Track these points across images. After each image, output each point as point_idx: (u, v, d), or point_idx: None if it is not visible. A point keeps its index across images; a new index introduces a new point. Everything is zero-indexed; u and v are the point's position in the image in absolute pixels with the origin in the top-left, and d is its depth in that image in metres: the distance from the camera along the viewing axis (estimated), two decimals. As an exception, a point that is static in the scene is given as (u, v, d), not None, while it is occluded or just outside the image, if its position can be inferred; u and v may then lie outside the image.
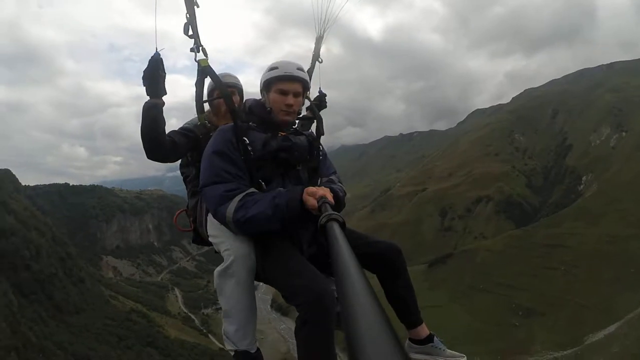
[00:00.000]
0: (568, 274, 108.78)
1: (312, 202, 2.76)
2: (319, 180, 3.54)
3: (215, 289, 3.36)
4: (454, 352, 3.47)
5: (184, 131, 3.91)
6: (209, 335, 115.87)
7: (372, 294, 0.95)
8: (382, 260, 3.30)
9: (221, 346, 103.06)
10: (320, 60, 4.50)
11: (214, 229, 3.45)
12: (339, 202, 3.15)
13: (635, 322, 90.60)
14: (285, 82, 3.33)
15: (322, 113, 4.30)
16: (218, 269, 3.28)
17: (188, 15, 3.65)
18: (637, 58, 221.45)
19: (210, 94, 4.24)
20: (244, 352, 3.30)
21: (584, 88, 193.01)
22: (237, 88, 4.31)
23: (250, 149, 3.22)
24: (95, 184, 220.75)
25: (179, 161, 4.24)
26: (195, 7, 3.65)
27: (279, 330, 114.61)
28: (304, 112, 3.96)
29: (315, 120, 3.93)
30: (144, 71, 3.52)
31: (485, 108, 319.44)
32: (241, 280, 3.19)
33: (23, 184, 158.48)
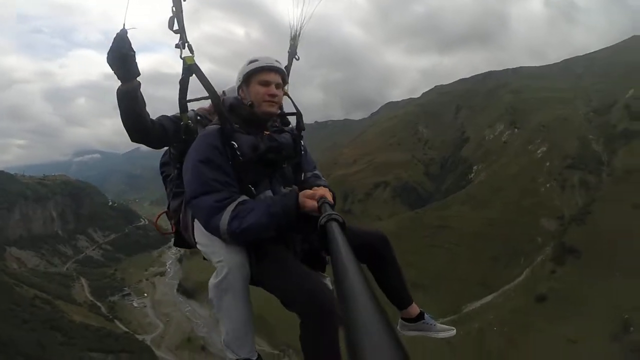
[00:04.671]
0: (451, 252, 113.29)
1: (311, 203, 2.73)
2: (302, 176, 3.45)
3: (211, 301, 3.14)
4: (443, 325, 3.60)
5: (175, 118, 3.56)
6: (115, 321, 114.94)
7: (372, 295, 0.94)
8: (371, 251, 3.24)
9: (126, 330, 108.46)
10: (297, 57, 4.25)
11: (203, 237, 3.19)
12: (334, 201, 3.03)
13: (511, 293, 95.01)
14: (267, 73, 3.22)
15: None
16: (213, 281, 3.07)
17: (174, 9, 3.21)
18: (541, 65, 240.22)
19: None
20: None
21: (488, 88, 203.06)
22: None
23: (239, 153, 3.03)
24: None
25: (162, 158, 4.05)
26: (182, 0, 3.22)
27: (184, 312, 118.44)
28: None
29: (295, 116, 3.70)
30: (108, 52, 3.05)
31: (398, 101, 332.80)
32: (237, 291, 3.02)
33: None
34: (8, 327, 78.63)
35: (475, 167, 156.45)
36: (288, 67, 4.13)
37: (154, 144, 3.52)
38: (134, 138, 3.34)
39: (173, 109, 3.57)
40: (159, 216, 4.06)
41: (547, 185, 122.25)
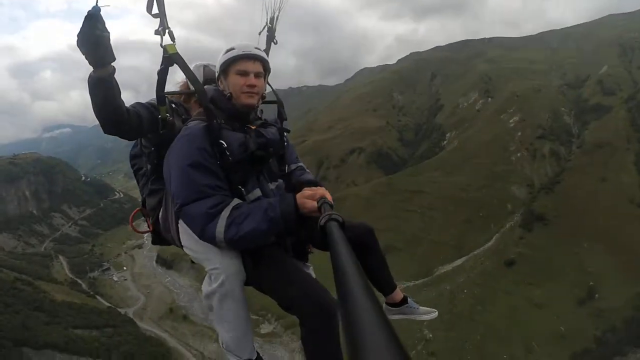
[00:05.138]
0: (424, 216, 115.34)
1: (311, 204, 2.62)
2: (287, 167, 3.35)
3: (207, 308, 3.09)
4: (426, 308, 3.69)
5: (150, 106, 3.19)
6: (97, 297, 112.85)
7: (372, 296, 0.93)
8: (358, 243, 3.17)
9: (109, 304, 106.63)
10: (275, 41, 4.01)
11: (193, 242, 3.01)
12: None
13: (481, 256, 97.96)
14: (244, 62, 2.98)
15: None
16: (208, 289, 2.97)
17: None
18: (516, 36, 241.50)
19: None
20: None
21: (463, 57, 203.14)
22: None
23: (228, 153, 2.83)
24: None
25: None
26: None
27: (164, 284, 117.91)
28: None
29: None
30: (78, 35, 2.62)
31: (373, 67, 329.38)
32: (235, 295, 2.95)
33: None
34: (-8, 313, 77.51)
35: (448, 134, 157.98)
36: (267, 52, 3.91)
37: (129, 135, 3.18)
38: (108, 130, 3.00)
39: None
40: (134, 214, 3.84)
41: (519, 154, 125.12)
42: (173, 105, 3.48)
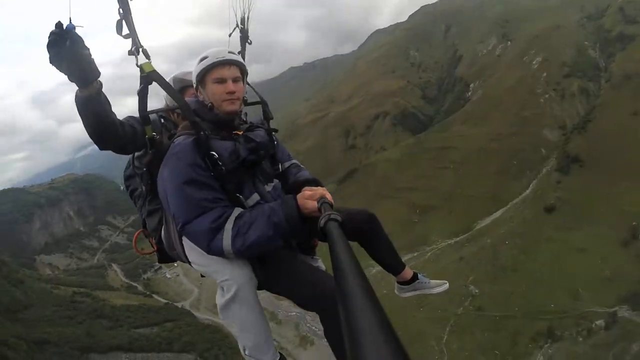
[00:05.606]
0: (457, 171, 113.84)
1: (311, 204, 2.60)
2: (280, 166, 3.33)
3: (225, 319, 3.11)
4: (437, 281, 3.84)
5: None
6: (153, 296, 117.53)
7: (372, 297, 0.94)
8: (361, 231, 3.30)
9: (166, 301, 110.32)
10: (249, 42, 3.89)
11: (199, 257, 2.97)
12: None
13: (519, 206, 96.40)
14: (220, 69, 2.94)
15: None
16: (222, 300, 2.99)
17: (121, 10, 2.84)
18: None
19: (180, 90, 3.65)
20: None
21: (476, 2, 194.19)
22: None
23: (220, 163, 2.77)
24: (5, 188, 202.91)
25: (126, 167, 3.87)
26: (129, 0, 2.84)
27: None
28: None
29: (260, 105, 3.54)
30: (52, 55, 2.49)
31: (385, 27, 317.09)
32: (250, 303, 2.96)
33: None
34: (56, 328, 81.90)
35: (472, 85, 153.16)
36: (242, 54, 3.86)
37: (126, 149, 3.20)
38: (104, 147, 3.00)
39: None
40: (137, 236, 3.83)
41: (546, 95, 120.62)
42: (162, 121, 3.51)
